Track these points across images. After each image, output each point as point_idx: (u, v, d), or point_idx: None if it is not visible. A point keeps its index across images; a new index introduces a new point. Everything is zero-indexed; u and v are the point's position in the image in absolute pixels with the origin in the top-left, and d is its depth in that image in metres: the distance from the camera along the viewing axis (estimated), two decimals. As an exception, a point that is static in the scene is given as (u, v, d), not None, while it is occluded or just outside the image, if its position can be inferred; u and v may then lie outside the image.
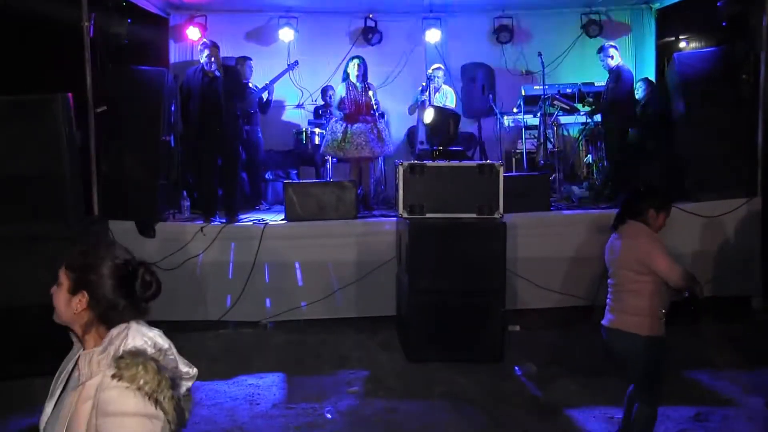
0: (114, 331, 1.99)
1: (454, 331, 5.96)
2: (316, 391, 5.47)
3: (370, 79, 7.87)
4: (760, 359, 5.76)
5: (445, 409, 5.13)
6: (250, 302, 6.82)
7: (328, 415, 5.03)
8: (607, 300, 4.16)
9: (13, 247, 5.71)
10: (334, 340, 6.59)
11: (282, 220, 7.15)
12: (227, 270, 6.87)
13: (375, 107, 7.63)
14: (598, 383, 5.50)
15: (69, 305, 2.00)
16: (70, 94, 5.94)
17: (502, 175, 6.15)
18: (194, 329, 6.50)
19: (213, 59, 7.05)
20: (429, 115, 7.42)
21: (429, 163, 6.36)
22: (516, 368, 5.89)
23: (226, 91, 7.12)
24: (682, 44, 9.30)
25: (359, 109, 7.62)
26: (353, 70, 7.61)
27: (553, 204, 7.54)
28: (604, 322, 4.13)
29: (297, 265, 6.91)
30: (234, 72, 7.60)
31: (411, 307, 5.99)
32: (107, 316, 2.00)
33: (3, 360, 5.56)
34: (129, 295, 2.01)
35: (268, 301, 6.90)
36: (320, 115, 8.91)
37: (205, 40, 7.38)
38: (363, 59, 7.75)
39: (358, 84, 7.62)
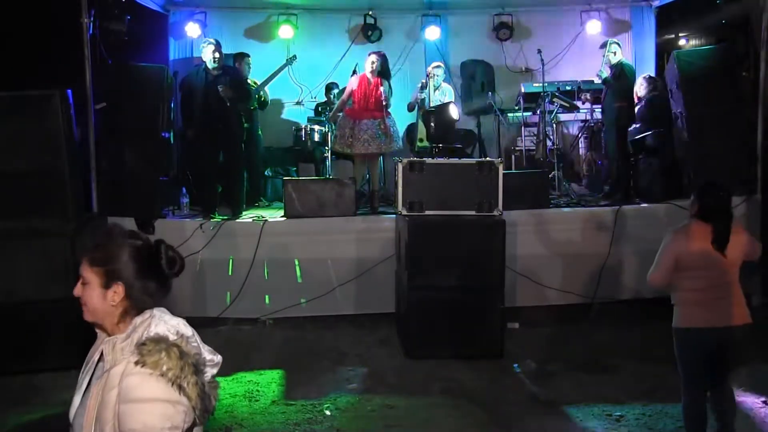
0: (138, 319, 2.00)
1: (454, 328, 5.96)
2: (315, 387, 5.47)
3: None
4: (759, 356, 5.75)
5: (444, 406, 5.13)
6: (250, 299, 6.83)
7: (327, 412, 5.04)
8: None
9: (12, 242, 5.71)
10: (333, 337, 6.60)
11: (281, 216, 7.15)
12: (226, 267, 6.87)
13: (385, 103, 7.56)
14: (597, 380, 5.52)
15: (104, 300, 1.99)
16: (69, 91, 5.94)
17: (501, 172, 6.16)
18: (193, 326, 6.40)
19: (217, 57, 7.10)
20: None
21: (428, 160, 6.37)
22: (515, 365, 5.89)
23: (230, 89, 7.14)
24: (682, 41, 9.32)
25: (368, 104, 7.56)
26: (369, 65, 7.52)
27: (552, 201, 7.55)
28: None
29: (296, 262, 6.92)
30: (236, 71, 7.63)
31: (410, 304, 6.00)
32: (141, 301, 2.02)
33: (3, 355, 5.56)
34: (158, 274, 2.03)
35: (267, 297, 6.90)
36: (320, 112, 8.89)
37: (209, 39, 7.36)
38: (384, 56, 7.62)
39: (371, 79, 7.55)
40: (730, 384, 4.03)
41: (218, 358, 2.13)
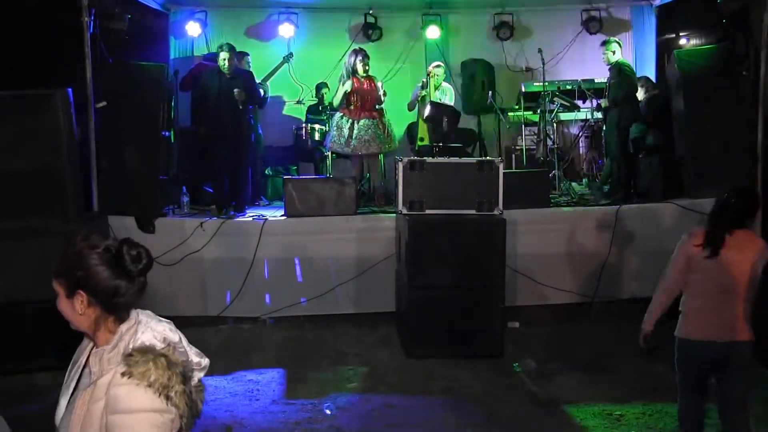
0: (123, 327, 1.97)
1: (454, 327, 5.97)
2: (316, 386, 5.48)
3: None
4: (758, 356, 5.75)
5: (445, 405, 5.14)
6: (250, 298, 6.82)
7: (328, 411, 5.04)
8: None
9: (13, 242, 5.71)
10: (333, 336, 6.60)
11: (281, 215, 7.15)
12: (227, 266, 6.87)
13: (381, 100, 7.54)
14: (597, 379, 5.53)
15: (73, 310, 1.97)
16: (69, 89, 5.94)
17: (501, 171, 6.16)
18: (194, 325, 6.46)
19: (229, 63, 7.30)
20: (427, 111, 7.50)
21: (429, 159, 6.38)
22: (515, 365, 5.89)
23: (244, 93, 7.30)
24: (683, 41, 9.29)
25: (365, 104, 7.54)
26: (360, 65, 7.52)
27: (552, 200, 7.54)
28: None
29: (296, 261, 6.92)
30: (249, 75, 7.78)
31: (410, 303, 6.00)
32: (113, 305, 1.97)
33: (2, 355, 5.56)
34: (123, 274, 1.96)
35: (267, 296, 6.90)
36: (320, 112, 8.89)
37: (224, 45, 7.45)
38: (366, 52, 7.67)
39: (364, 79, 7.54)
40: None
41: (205, 361, 2.11)
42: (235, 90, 7.24)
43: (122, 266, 1.95)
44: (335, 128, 7.65)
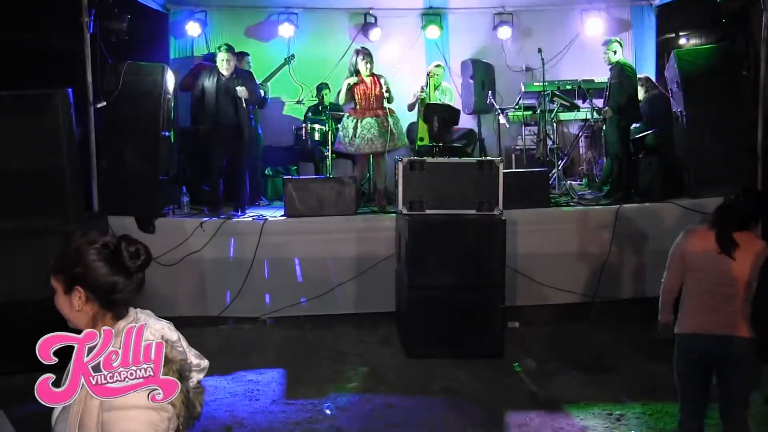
0: (121, 324, 1.97)
1: (454, 327, 5.97)
2: (316, 386, 5.47)
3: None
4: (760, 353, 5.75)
5: (445, 405, 5.14)
6: (250, 298, 6.83)
7: (328, 411, 5.04)
8: None
9: (13, 242, 5.71)
10: (333, 336, 6.60)
11: (281, 215, 7.15)
12: (227, 266, 6.87)
13: (386, 97, 7.51)
14: (597, 380, 5.52)
15: (71, 306, 1.97)
16: (69, 89, 5.94)
17: (501, 171, 6.16)
18: (194, 325, 6.47)
19: (228, 64, 7.30)
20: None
21: (429, 159, 6.39)
22: (515, 365, 5.89)
23: (247, 91, 7.32)
24: (682, 41, 9.30)
25: (369, 104, 7.53)
26: (363, 64, 7.51)
27: (552, 200, 7.54)
28: None
29: (296, 261, 6.92)
30: (249, 75, 7.79)
31: (410, 303, 6.00)
32: (111, 301, 1.97)
33: (2, 355, 5.56)
34: (121, 270, 1.96)
35: (267, 296, 6.90)
36: (320, 112, 8.88)
37: (224, 46, 7.45)
38: (369, 51, 7.62)
39: (367, 78, 7.52)
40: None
41: (205, 363, 2.11)
42: (239, 88, 7.23)
43: (120, 262, 1.96)
44: (341, 129, 7.65)
